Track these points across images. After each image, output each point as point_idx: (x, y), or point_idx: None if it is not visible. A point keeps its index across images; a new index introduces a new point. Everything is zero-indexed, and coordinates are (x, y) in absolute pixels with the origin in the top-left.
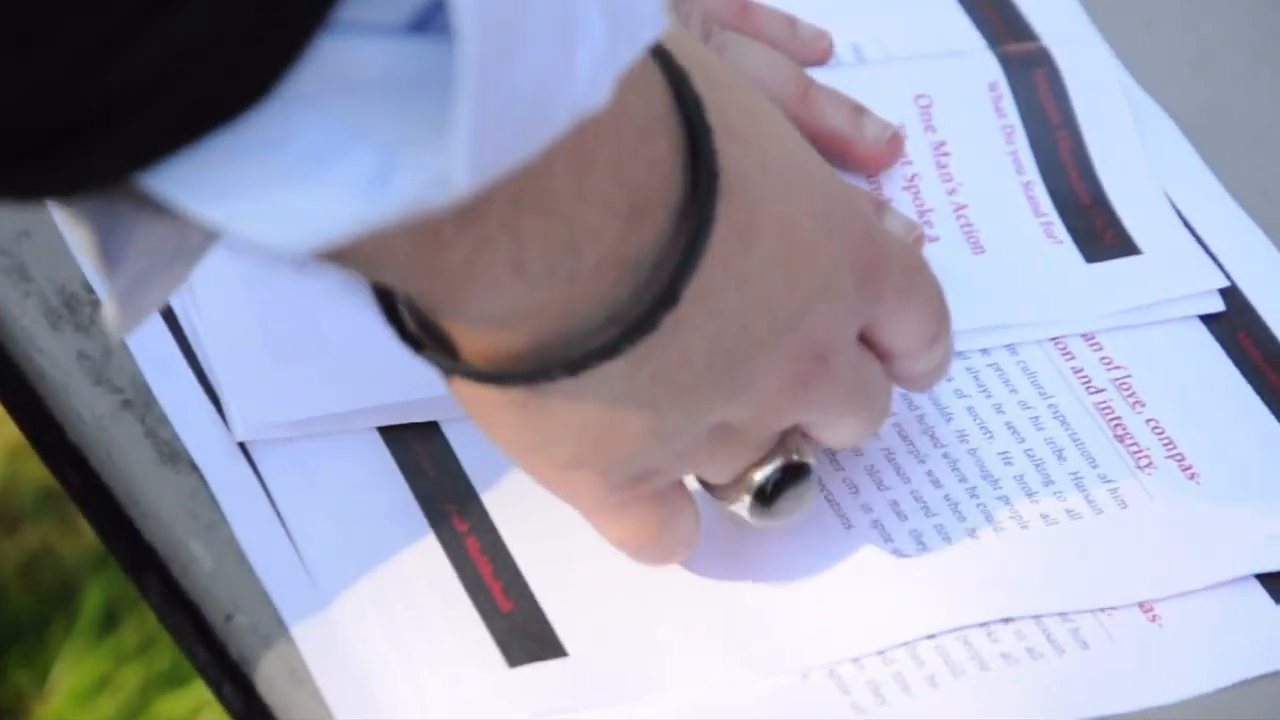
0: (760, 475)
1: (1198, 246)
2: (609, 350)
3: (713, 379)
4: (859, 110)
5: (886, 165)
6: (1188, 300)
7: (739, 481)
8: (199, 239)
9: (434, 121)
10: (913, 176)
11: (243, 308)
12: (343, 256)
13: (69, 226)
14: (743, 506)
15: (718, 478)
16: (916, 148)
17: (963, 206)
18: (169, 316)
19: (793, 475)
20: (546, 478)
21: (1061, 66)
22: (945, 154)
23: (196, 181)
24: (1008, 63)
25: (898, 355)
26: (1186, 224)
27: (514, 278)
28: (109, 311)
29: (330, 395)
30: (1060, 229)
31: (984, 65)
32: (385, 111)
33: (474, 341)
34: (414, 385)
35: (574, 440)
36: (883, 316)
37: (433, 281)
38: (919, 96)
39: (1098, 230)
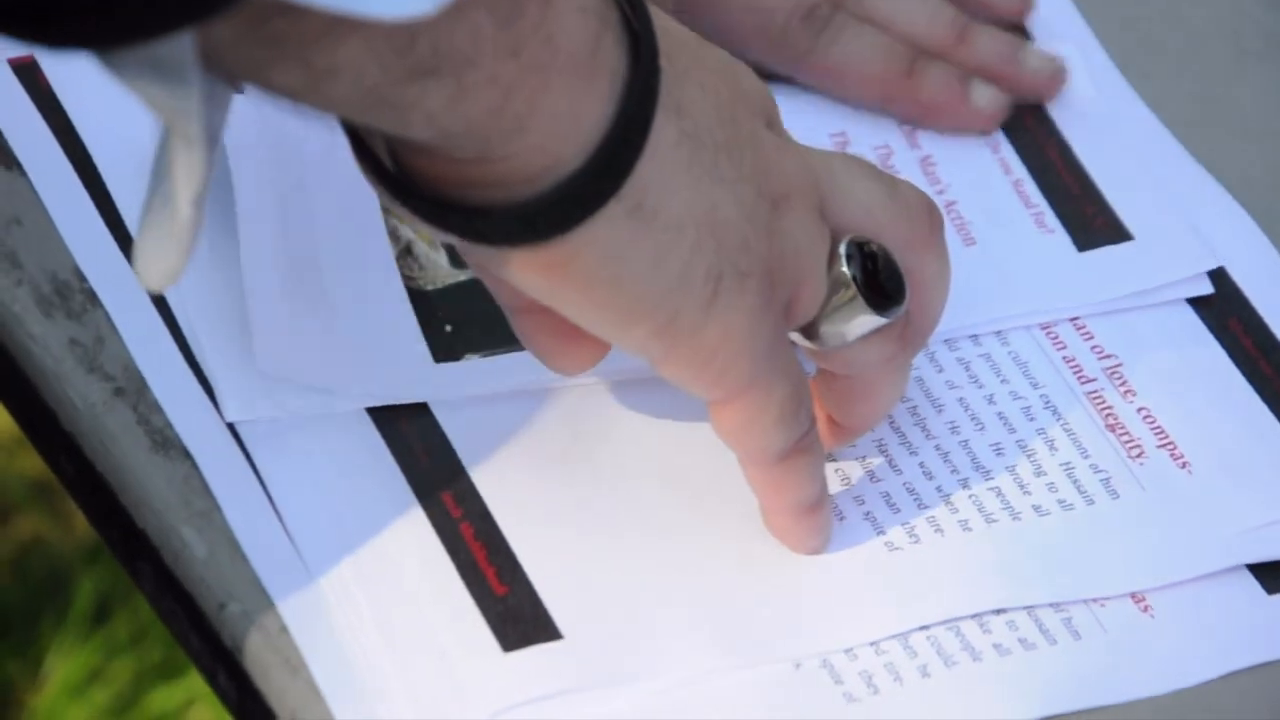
0: (843, 264)
1: (1188, 229)
2: (642, 96)
3: (730, 134)
4: (1017, 44)
5: (1050, 95)
6: (1178, 284)
7: (836, 290)
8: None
9: None
10: None
11: (234, 289)
12: (437, 67)
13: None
14: (860, 314)
15: (818, 291)
16: (903, 162)
17: (953, 203)
18: (160, 303)
19: (873, 259)
20: (694, 319)
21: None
22: (932, 164)
23: None
24: None
25: None
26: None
27: (580, 22)
28: (182, 209)
29: (320, 376)
30: (1051, 218)
31: None
32: None
33: (551, 158)
34: (404, 365)
35: (693, 236)
36: None
37: (517, 65)
38: (902, 122)
39: (1088, 217)
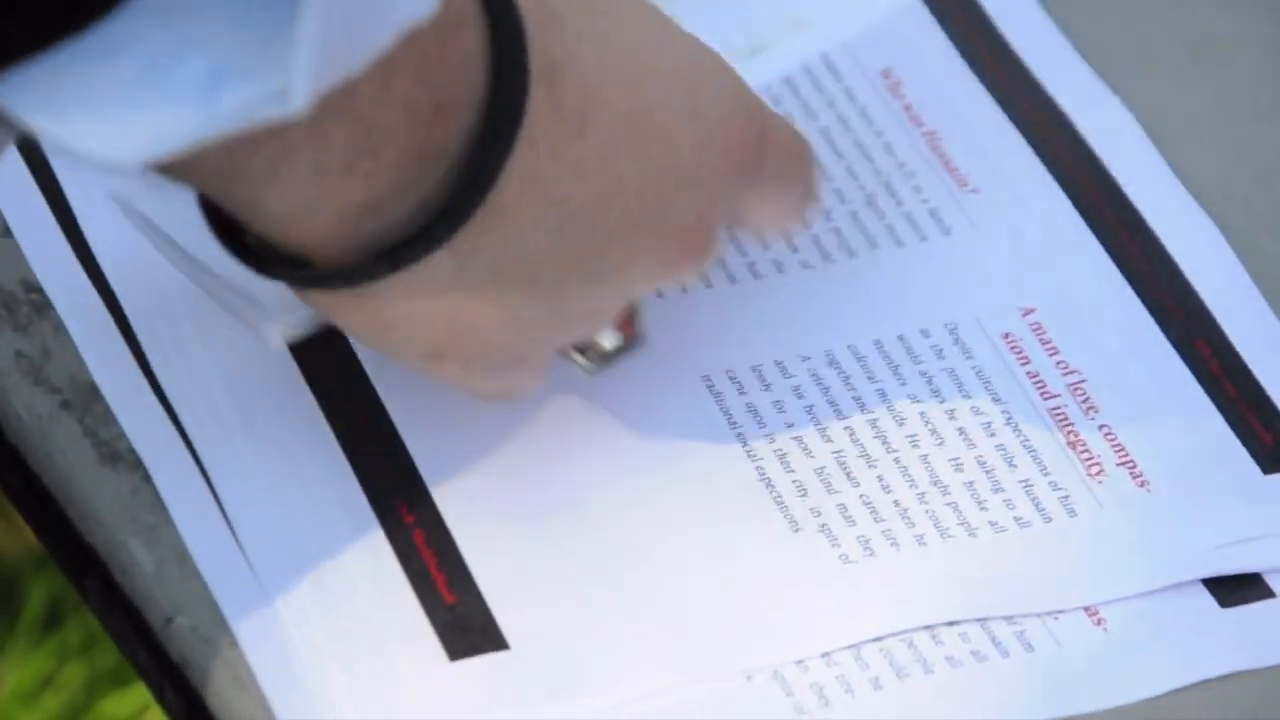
0: (608, 344)
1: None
2: (423, 241)
3: (565, 269)
4: None
5: None
6: None
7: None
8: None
9: (269, 36)
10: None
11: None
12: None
13: None
14: (580, 361)
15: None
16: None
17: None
18: (116, 311)
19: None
20: (418, 369)
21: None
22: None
23: (34, 93)
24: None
25: (755, 229)
26: (1147, 226)
27: (313, 180)
28: None
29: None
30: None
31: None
32: (223, 25)
33: (297, 242)
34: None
35: (427, 333)
36: (754, 200)
37: (235, 186)
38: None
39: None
